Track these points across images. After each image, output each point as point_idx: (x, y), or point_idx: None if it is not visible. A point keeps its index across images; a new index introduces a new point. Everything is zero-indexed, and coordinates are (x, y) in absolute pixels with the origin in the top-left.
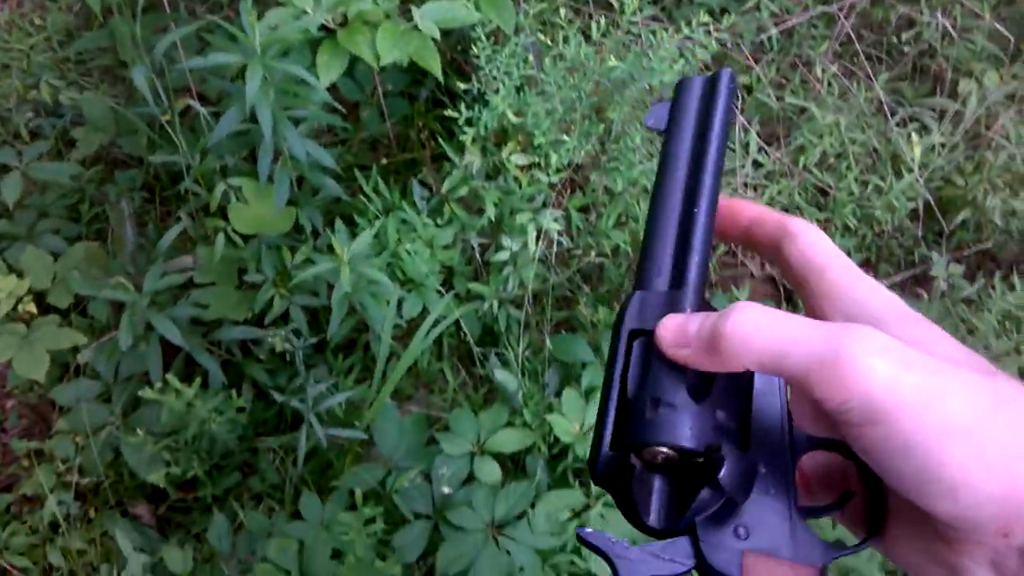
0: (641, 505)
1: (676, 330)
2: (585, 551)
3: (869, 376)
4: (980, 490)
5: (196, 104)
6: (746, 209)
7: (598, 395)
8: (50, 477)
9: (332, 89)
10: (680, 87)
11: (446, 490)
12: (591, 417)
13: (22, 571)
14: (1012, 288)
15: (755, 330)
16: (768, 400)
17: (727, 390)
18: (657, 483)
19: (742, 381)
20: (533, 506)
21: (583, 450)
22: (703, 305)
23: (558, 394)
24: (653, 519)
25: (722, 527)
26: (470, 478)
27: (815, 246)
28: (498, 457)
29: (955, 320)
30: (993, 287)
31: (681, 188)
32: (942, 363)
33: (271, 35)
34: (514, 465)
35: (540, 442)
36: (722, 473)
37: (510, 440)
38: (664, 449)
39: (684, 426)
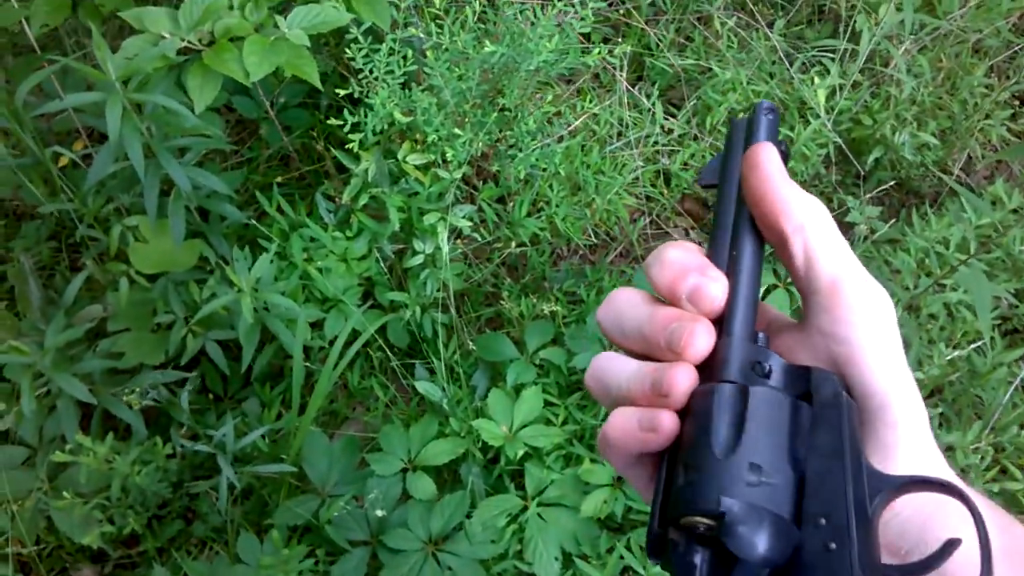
0: (689, 568)
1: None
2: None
3: (839, 263)
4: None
5: (66, 151)
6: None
7: (527, 392)
8: None
9: (229, 108)
10: (728, 134)
11: (380, 513)
12: (521, 416)
13: None
14: (930, 224)
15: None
16: (827, 433)
17: (764, 428)
18: (699, 559)
19: (784, 413)
20: (469, 516)
21: (514, 452)
22: (751, 349)
23: (486, 396)
24: None
25: None
26: (406, 496)
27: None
28: (432, 470)
29: (879, 262)
30: (911, 224)
31: (728, 237)
32: None
33: (128, 66)
34: (451, 476)
35: (473, 448)
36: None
37: (442, 452)
38: (702, 519)
39: (706, 489)
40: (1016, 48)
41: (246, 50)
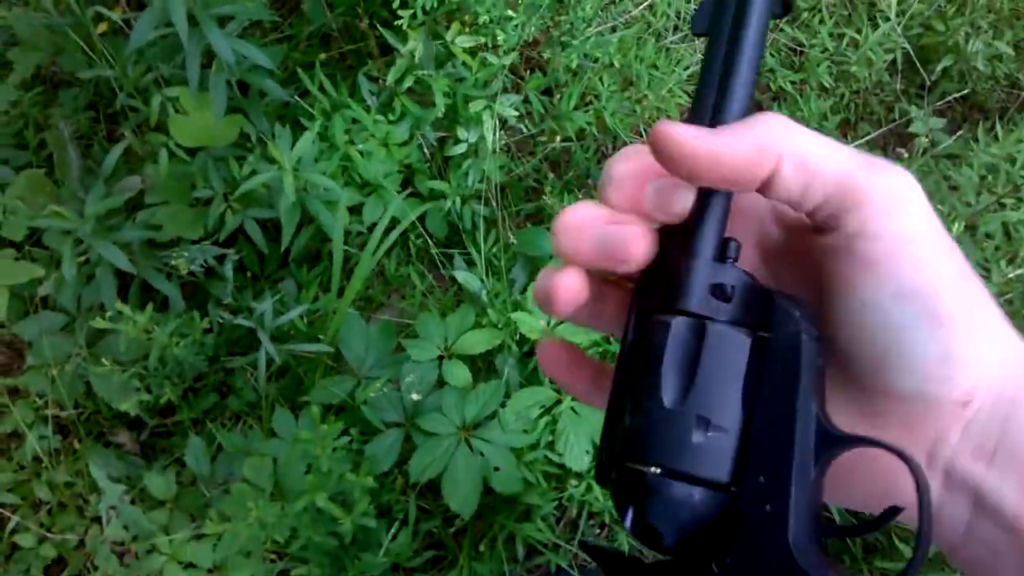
0: (623, 513)
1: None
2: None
3: (843, 159)
4: (954, 321)
5: (108, 12)
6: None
7: None
8: (28, 413)
9: None
10: None
11: (415, 397)
12: None
13: (11, 507)
14: (996, 139)
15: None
16: (781, 377)
17: (717, 375)
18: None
19: (742, 355)
20: (503, 405)
21: None
22: (713, 270)
23: (525, 290)
24: (630, 529)
25: (701, 556)
26: (441, 383)
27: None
28: (467, 359)
29: (937, 177)
30: (975, 139)
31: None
32: None
33: None
34: (485, 366)
35: (509, 340)
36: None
37: (478, 341)
38: (639, 467)
39: (645, 441)
40: None
41: None
